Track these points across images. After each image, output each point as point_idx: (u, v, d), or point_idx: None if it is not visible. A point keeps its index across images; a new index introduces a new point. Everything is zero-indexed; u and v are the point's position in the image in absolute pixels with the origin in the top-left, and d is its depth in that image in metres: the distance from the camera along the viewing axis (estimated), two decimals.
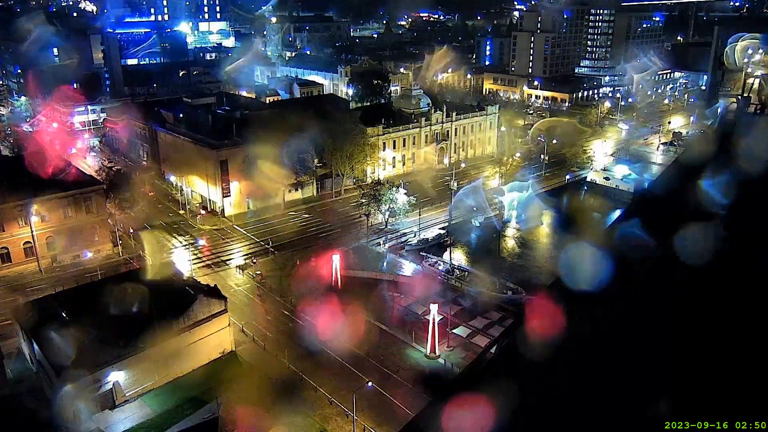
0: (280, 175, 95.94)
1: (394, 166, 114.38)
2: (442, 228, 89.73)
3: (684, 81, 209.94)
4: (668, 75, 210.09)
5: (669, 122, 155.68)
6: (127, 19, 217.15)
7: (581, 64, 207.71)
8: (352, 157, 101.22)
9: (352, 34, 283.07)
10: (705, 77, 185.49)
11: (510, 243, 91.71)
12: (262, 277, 73.68)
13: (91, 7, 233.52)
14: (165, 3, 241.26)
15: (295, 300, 67.99)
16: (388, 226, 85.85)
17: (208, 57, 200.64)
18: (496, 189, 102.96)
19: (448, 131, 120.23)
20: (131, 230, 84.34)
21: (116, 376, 50.40)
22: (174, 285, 59.05)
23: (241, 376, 54.90)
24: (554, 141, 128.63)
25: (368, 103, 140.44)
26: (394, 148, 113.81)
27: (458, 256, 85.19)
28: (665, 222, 18.77)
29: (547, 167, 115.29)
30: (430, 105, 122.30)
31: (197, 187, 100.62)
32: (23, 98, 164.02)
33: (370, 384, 50.32)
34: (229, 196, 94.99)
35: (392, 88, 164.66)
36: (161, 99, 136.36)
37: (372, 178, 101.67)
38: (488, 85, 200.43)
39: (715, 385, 11.23)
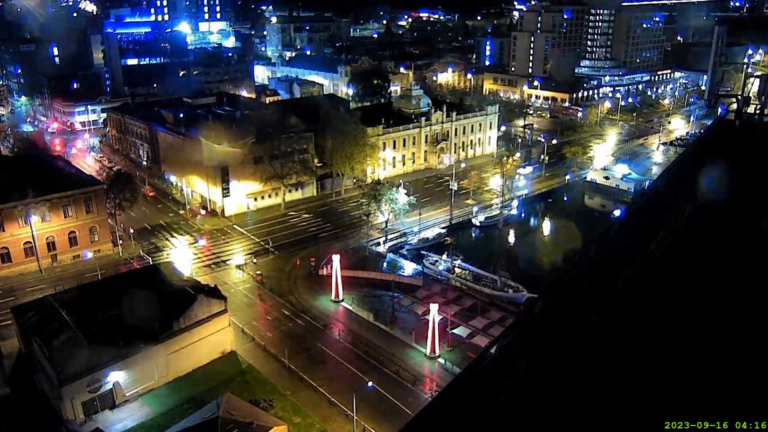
0: (280, 175, 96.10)
1: (394, 166, 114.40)
2: (443, 228, 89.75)
3: (684, 81, 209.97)
4: (668, 75, 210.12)
5: (669, 122, 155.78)
6: (128, 19, 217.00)
7: (581, 64, 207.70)
8: (352, 157, 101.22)
9: (352, 34, 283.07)
10: (705, 77, 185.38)
11: (511, 242, 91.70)
12: (262, 277, 73.69)
13: (91, 7, 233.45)
14: (165, 3, 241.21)
15: (294, 300, 68.11)
16: (389, 226, 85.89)
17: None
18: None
19: (448, 131, 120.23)
20: (131, 230, 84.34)
21: (116, 376, 50.42)
22: (174, 285, 59.03)
23: (241, 376, 54.93)
24: (554, 141, 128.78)
25: (368, 103, 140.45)
26: (394, 148, 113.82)
27: (459, 256, 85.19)
28: (664, 221, 18.78)
29: (547, 167, 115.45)
30: (430, 105, 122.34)
31: (197, 187, 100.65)
32: (23, 98, 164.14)
33: (370, 384, 50.34)
34: (229, 196, 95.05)
35: (392, 88, 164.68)
36: (161, 99, 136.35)
37: (372, 178, 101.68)
38: (488, 85, 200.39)
39: (715, 385, 11.24)
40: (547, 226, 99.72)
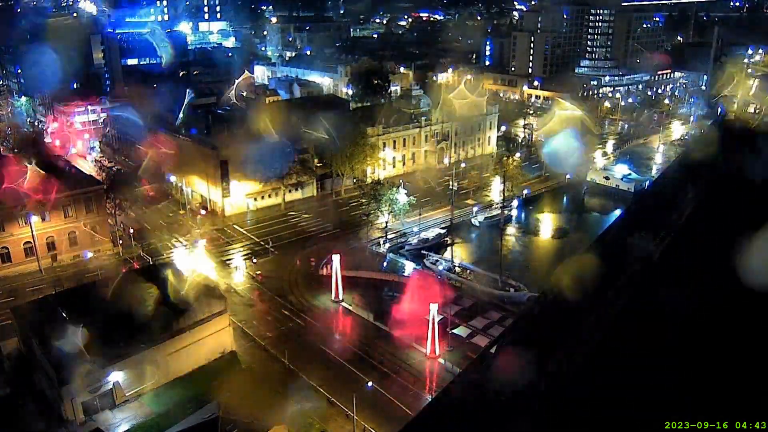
0: (280, 175, 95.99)
1: (394, 166, 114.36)
2: (443, 227, 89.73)
3: (684, 81, 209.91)
4: (668, 75, 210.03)
5: (669, 123, 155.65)
6: (128, 19, 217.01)
7: (581, 64, 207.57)
8: (352, 157, 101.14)
9: (352, 34, 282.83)
10: (705, 77, 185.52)
11: (511, 241, 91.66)
12: (262, 277, 73.66)
13: (91, 7, 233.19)
14: (165, 3, 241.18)
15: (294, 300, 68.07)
16: (389, 226, 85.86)
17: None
18: None
19: (448, 131, 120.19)
20: (131, 230, 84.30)
21: (116, 376, 50.40)
22: (174, 285, 58.94)
23: (241, 376, 54.90)
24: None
25: (368, 103, 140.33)
26: (394, 148, 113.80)
27: (459, 255, 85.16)
28: (664, 222, 18.77)
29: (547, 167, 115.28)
30: (430, 105, 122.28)
31: (197, 187, 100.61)
32: (23, 98, 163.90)
33: (370, 384, 50.33)
34: (229, 196, 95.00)
35: (392, 88, 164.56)
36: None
37: (372, 178, 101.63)
38: (488, 85, 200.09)
39: (715, 385, 11.24)
40: (547, 226, 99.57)
